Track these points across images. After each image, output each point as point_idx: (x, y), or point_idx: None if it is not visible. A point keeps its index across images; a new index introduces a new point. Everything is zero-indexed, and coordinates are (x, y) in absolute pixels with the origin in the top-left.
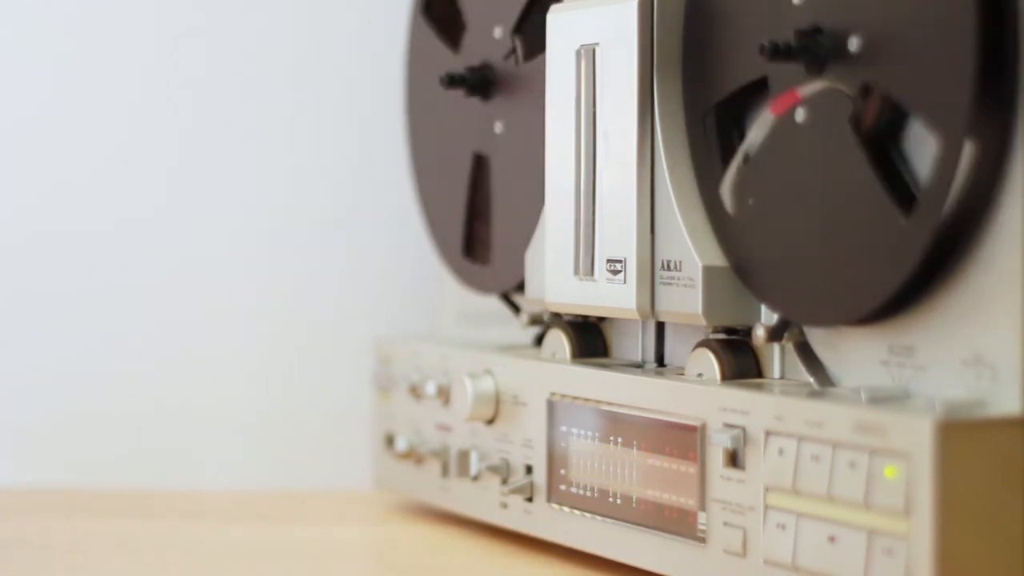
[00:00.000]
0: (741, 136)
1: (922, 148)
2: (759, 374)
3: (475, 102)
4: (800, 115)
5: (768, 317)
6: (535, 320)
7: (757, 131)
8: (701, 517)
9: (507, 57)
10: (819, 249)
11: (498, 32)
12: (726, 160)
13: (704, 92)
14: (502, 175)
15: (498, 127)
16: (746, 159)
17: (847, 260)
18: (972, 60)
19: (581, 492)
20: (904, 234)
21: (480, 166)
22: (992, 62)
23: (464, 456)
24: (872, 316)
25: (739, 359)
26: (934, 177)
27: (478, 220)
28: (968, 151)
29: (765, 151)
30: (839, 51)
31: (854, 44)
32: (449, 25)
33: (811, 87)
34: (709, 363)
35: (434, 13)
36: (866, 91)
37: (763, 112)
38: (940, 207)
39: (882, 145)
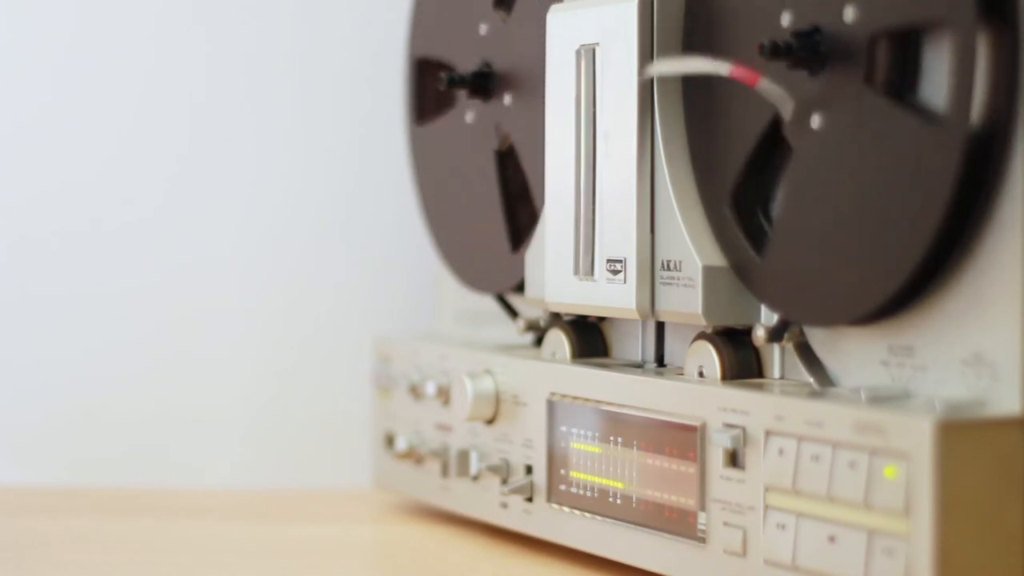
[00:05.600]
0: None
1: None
2: (759, 368)
3: (478, 102)
4: (816, 122)
5: (768, 317)
6: (531, 326)
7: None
8: (701, 517)
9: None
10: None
11: (483, 29)
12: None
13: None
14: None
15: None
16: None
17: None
18: None
19: (581, 492)
20: (936, 150)
21: (503, 162)
22: None
23: (464, 456)
24: (872, 316)
25: (739, 352)
26: (954, 78)
27: (520, 209)
28: (983, 47)
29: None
30: (837, 36)
31: (850, 14)
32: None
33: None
34: (709, 355)
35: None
36: (872, 51)
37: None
38: (966, 112)
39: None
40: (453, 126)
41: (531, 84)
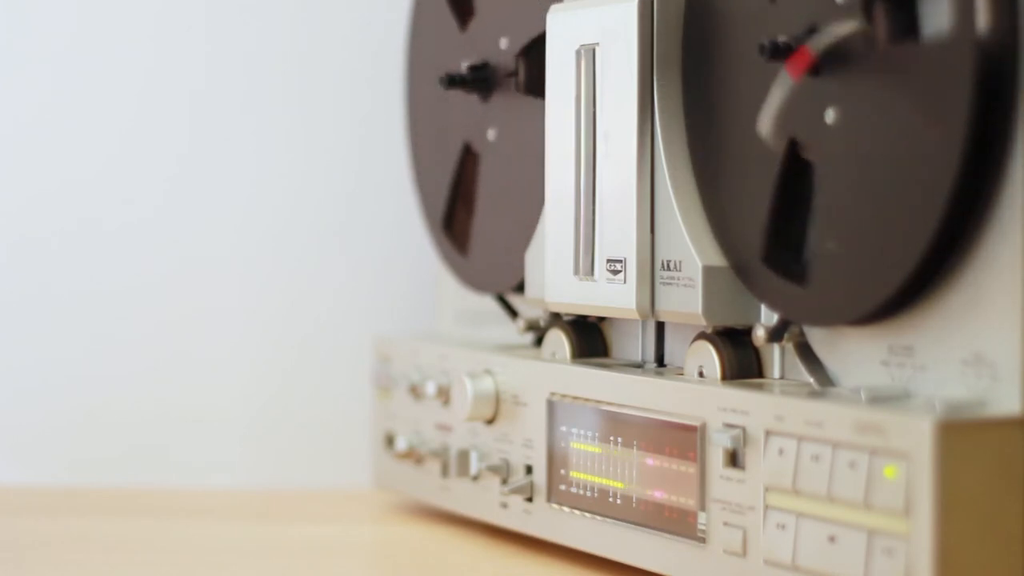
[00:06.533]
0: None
1: None
2: (759, 368)
3: (474, 98)
4: (830, 117)
5: (768, 317)
6: (531, 326)
7: (777, 93)
8: (701, 517)
9: (509, 76)
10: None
11: (504, 43)
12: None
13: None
14: (494, 176)
15: (492, 131)
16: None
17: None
18: None
19: (581, 492)
20: (946, 90)
21: (468, 155)
22: None
23: (464, 456)
24: (872, 316)
25: (739, 352)
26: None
27: (461, 205)
28: None
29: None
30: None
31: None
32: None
33: (821, 40)
34: (709, 355)
35: None
36: (868, 10)
37: (781, 75)
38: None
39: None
40: (449, 109)
41: (519, 27)
